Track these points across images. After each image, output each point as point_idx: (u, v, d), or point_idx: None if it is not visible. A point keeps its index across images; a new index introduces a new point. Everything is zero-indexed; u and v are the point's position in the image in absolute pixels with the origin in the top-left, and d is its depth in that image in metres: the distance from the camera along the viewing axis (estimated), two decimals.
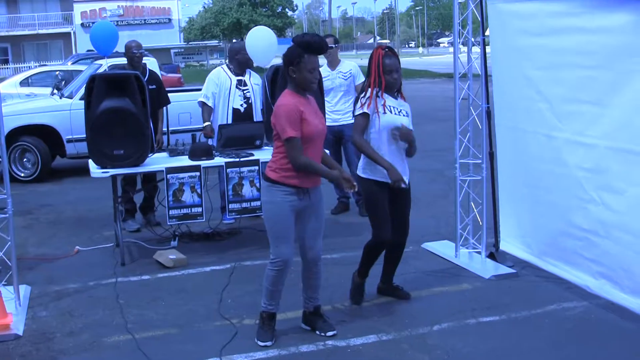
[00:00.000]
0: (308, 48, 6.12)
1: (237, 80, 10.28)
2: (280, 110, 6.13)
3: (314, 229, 6.50)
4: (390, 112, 6.98)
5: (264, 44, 10.19)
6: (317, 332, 6.65)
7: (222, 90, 10.29)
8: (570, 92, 7.21)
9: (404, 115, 7.05)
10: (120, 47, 10.75)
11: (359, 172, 7.13)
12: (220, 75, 10.39)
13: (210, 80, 10.48)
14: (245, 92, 10.20)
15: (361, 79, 10.74)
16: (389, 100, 7.02)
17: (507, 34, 8.13)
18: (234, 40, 76.99)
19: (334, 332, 6.62)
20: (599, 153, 6.87)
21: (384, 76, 6.96)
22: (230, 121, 10.25)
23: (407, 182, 7.05)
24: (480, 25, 8.39)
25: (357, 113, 7.00)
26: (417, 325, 6.82)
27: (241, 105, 10.20)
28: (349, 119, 10.50)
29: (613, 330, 6.64)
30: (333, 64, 10.66)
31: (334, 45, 10.48)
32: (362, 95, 7.07)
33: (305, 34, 6.37)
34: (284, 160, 6.18)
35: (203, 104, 10.44)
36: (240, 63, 10.34)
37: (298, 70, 6.14)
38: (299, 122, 6.07)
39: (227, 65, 10.56)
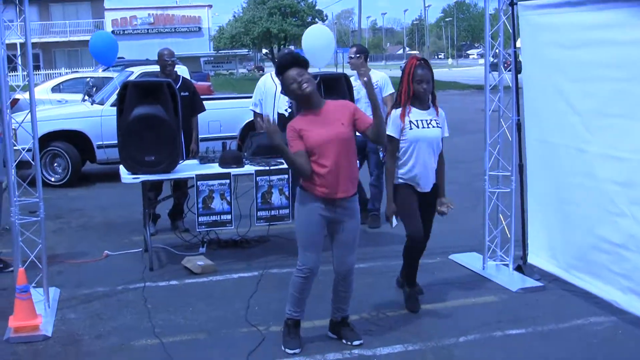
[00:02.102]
0: (281, 70, 6.29)
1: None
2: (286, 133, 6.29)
3: (344, 242, 6.44)
4: (417, 126, 7.05)
5: (321, 43, 10.15)
6: (344, 341, 6.65)
7: (267, 96, 10.51)
8: (602, 105, 7.17)
9: (433, 127, 7.10)
10: (151, 55, 10.82)
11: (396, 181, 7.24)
12: (267, 81, 10.61)
13: (257, 88, 10.80)
14: None
15: (389, 90, 10.74)
16: (417, 114, 7.08)
17: (539, 46, 8.11)
18: (264, 50, 77.39)
19: (360, 341, 6.62)
20: (630, 166, 6.83)
21: (413, 85, 7.01)
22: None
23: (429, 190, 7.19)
24: (511, 38, 8.38)
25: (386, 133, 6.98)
26: (443, 336, 6.81)
27: (286, 110, 10.29)
28: None
29: None
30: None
31: (354, 56, 10.51)
32: (394, 107, 7.17)
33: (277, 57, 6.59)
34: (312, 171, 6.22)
35: (254, 113, 10.81)
36: None
37: (286, 91, 6.30)
38: (296, 138, 6.16)
39: (276, 71, 10.68)
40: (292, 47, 77.16)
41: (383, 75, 10.91)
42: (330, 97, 8.15)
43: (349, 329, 6.75)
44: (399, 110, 7.09)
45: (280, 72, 6.28)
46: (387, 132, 6.90)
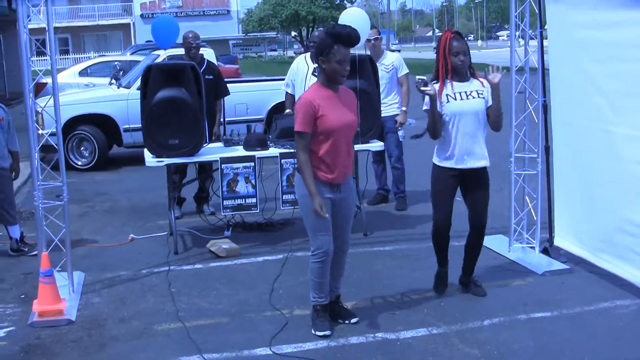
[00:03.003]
0: (337, 39, 6.08)
1: (315, 67, 10.40)
2: (298, 103, 6.24)
3: (343, 218, 6.53)
4: (455, 99, 6.89)
5: (358, 26, 10.21)
6: (340, 321, 6.69)
7: (299, 77, 10.49)
8: (628, 86, 7.08)
9: (474, 98, 6.92)
10: (180, 39, 10.81)
11: (433, 159, 7.15)
12: (300, 63, 10.60)
13: (291, 69, 10.77)
14: None
15: (404, 70, 10.77)
16: (457, 86, 6.93)
17: (565, 27, 8.01)
18: (293, 33, 77.27)
19: (357, 318, 6.68)
20: None
21: (450, 58, 6.87)
22: None
23: (474, 166, 7.04)
24: (537, 19, 8.30)
25: (423, 109, 6.98)
26: (467, 320, 6.78)
27: None
28: (390, 111, 10.48)
29: None
30: (376, 56, 10.57)
31: (372, 38, 10.50)
32: (432, 82, 6.97)
33: (337, 24, 6.42)
34: (315, 155, 6.21)
35: (285, 93, 10.79)
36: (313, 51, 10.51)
37: (327, 61, 6.14)
38: (310, 118, 6.09)
39: (310, 53, 10.71)
40: (321, 29, 76.99)
41: (398, 56, 10.96)
42: (354, 79, 8.12)
43: (343, 307, 6.82)
44: (437, 85, 6.92)
45: (338, 42, 6.09)
46: (424, 107, 6.93)
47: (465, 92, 6.92)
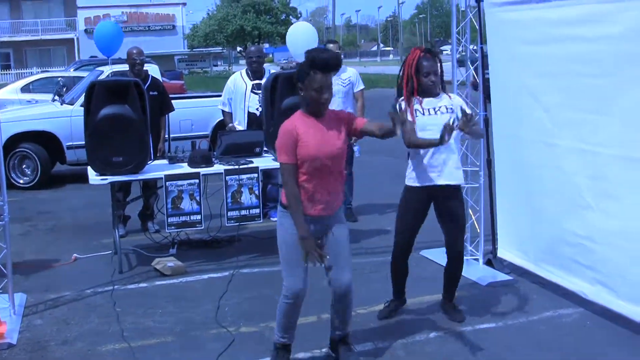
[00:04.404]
0: (313, 65, 5.62)
1: (254, 84, 10.44)
2: (279, 132, 5.76)
3: (336, 254, 5.89)
4: (423, 114, 6.68)
5: (304, 38, 10.26)
6: None
7: (237, 95, 10.57)
8: (570, 99, 7.18)
9: (443, 113, 6.68)
10: (124, 54, 10.75)
11: (406, 181, 6.91)
12: (237, 80, 10.65)
13: (226, 87, 10.83)
14: (261, 95, 10.30)
15: (361, 86, 10.80)
16: (426, 102, 6.71)
17: (506, 42, 8.11)
18: (238, 48, 77.23)
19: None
20: (598, 160, 6.84)
21: (422, 79, 6.67)
22: (246, 124, 10.48)
23: (445, 183, 6.78)
24: (478, 34, 8.39)
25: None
26: (414, 333, 6.82)
27: (257, 109, 10.31)
28: None
29: (609, 337, 6.67)
30: None
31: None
32: (398, 100, 6.78)
33: (314, 49, 5.97)
34: (299, 187, 5.76)
35: (222, 111, 10.86)
36: (251, 67, 10.54)
37: (305, 89, 5.66)
38: (292, 147, 5.63)
39: (246, 70, 10.71)
40: (266, 45, 77.04)
41: (355, 72, 10.98)
42: (294, 95, 8.13)
43: (348, 348, 6.29)
44: (405, 105, 6.67)
45: (314, 68, 5.60)
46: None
47: (434, 108, 6.73)
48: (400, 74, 6.86)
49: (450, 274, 7.22)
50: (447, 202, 6.85)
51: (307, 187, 5.74)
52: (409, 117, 6.43)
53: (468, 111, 6.48)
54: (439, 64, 6.77)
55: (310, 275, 5.95)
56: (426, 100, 6.75)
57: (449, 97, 6.89)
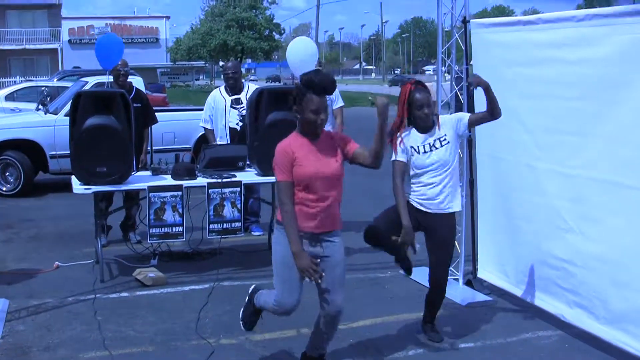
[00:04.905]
0: (310, 86, 5.66)
1: (233, 99, 10.54)
2: (275, 152, 5.78)
3: (331, 279, 5.89)
4: (419, 152, 6.72)
5: (305, 52, 10.31)
6: None
7: (218, 111, 10.71)
8: (552, 122, 7.26)
9: (437, 148, 6.73)
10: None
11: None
12: (216, 97, 10.76)
13: (207, 104, 10.96)
14: (241, 110, 10.37)
15: (340, 103, 10.85)
16: (420, 139, 6.75)
17: (491, 63, 8.18)
18: (221, 63, 77.26)
19: None
20: (579, 183, 6.91)
21: (415, 112, 6.69)
22: (228, 140, 10.59)
23: (443, 212, 6.78)
24: (464, 54, 8.48)
25: (391, 159, 6.75)
26: (393, 351, 6.86)
27: (237, 124, 10.39)
28: None
29: None
30: None
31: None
32: (393, 133, 6.78)
33: (311, 71, 6.05)
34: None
35: (205, 128, 11.01)
36: (228, 83, 10.62)
37: (301, 111, 5.71)
38: (287, 166, 5.66)
39: (225, 86, 10.79)
40: (249, 60, 76.97)
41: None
42: (280, 110, 8.17)
43: None
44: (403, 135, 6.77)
45: (311, 90, 5.65)
46: (394, 158, 6.73)
47: (429, 144, 6.73)
48: (398, 109, 6.84)
49: (432, 300, 7.20)
50: (438, 228, 6.83)
51: (310, 209, 5.77)
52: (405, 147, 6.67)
53: (466, 116, 6.82)
54: (430, 95, 6.81)
55: None
56: (421, 135, 6.77)
57: (439, 127, 6.82)
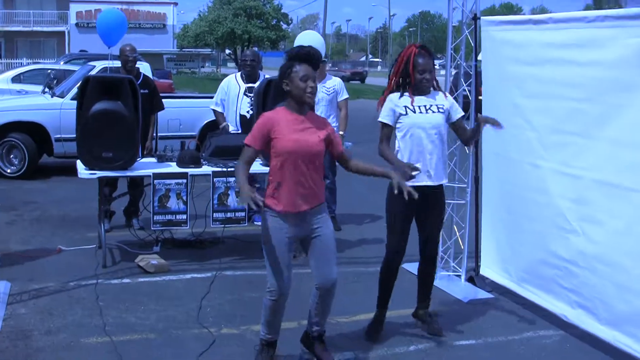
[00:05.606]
0: (296, 57, 5.88)
1: (247, 87, 10.51)
2: (258, 119, 6.01)
3: (322, 252, 6.04)
4: (414, 111, 6.67)
5: (310, 43, 10.40)
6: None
7: (230, 97, 10.71)
8: (557, 122, 7.25)
9: (434, 112, 6.70)
10: (114, 50, 10.76)
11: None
12: (230, 82, 10.78)
13: (220, 88, 10.96)
14: (252, 98, 10.35)
15: (345, 95, 10.88)
16: (417, 100, 6.71)
17: (499, 61, 8.18)
18: (227, 51, 77.20)
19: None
20: (583, 184, 6.91)
21: (417, 76, 6.64)
22: (239, 127, 10.59)
23: (433, 183, 6.76)
24: (473, 51, 8.46)
25: (378, 120, 6.78)
26: (394, 346, 6.86)
27: (247, 112, 10.36)
28: None
29: None
30: (319, 77, 10.69)
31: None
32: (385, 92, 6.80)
33: (294, 47, 6.24)
34: (271, 183, 5.93)
35: (214, 110, 10.99)
36: (245, 70, 10.63)
37: (290, 82, 5.84)
38: (261, 135, 5.82)
39: (241, 73, 10.79)
40: (255, 49, 76.99)
41: (339, 81, 11.05)
42: (283, 100, 8.16)
43: (324, 347, 6.37)
44: (393, 95, 6.75)
45: (298, 60, 5.86)
46: (379, 120, 6.74)
47: (425, 106, 6.69)
48: (392, 69, 6.86)
49: (426, 275, 7.24)
50: (428, 202, 6.79)
51: (282, 183, 5.88)
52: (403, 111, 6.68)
53: (460, 114, 6.84)
54: (433, 62, 6.76)
55: (293, 281, 6.05)
56: (417, 97, 6.74)
57: (445, 96, 6.89)
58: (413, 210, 6.77)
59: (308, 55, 5.89)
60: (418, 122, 6.67)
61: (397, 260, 6.96)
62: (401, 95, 6.76)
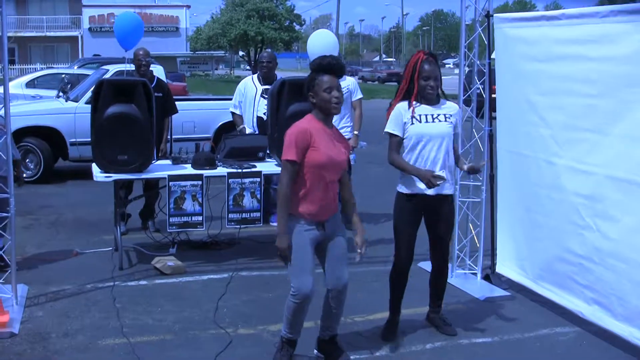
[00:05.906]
0: (319, 68, 5.94)
1: (264, 89, 10.54)
2: (289, 131, 5.91)
3: (336, 257, 6.16)
4: (420, 121, 6.62)
5: (323, 42, 10.38)
6: None
7: (247, 99, 10.79)
8: (571, 119, 7.25)
9: (440, 122, 6.65)
10: (129, 54, 10.81)
11: (397, 187, 6.83)
12: (247, 84, 10.85)
13: (237, 90, 11.03)
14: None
15: (358, 95, 10.85)
16: (422, 108, 6.65)
17: (513, 58, 8.18)
18: (240, 53, 77.25)
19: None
20: (597, 181, 6.90)
21: (419, 82, 6.59)
22: (256, 128, 10.65)
23: (437, 193, 6.68)
24: (486, 49, 8.46)
25: (384, 131, 6.74)
26: (410, 344, 6.87)
27: (264, 113, 10.38)
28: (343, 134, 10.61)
29: (604, 358, 6.71)
30: None
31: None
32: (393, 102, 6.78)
33: (318, 57, 6.17)
34: (298, 190, 5.93)
35: (232, 113, 11.09)
36: (262, 72, 10.67)
37: (315, 94, 5.92)
38: (303, 147, 5.82)
39: (258, 74, 10.83)
40: (269, 50, 76.89)
41: (353, 81, 11.03)
42: (302, 101, 8.15)
43: (338, 348, 6.42)
44: (401, 105, 6.70)
45: (321, 71, 5.94)
46: (386, 130, 6.69)
47: (432, 115, 6.64)
48: (403, 76, 6.80)
49: (439, 282, 7.23)
50: (437, 210, 6.79)
51: (307, 192, 5.93)
52: (409, 121, 6.65)
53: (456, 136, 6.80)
54: (438, 69, 6.70)
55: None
56: (424, 106, 6.68)
57: (454, 106, 6.86)
58: (419, 219, 6.82)
59: (330, 66, 5.96)
60: (423, 132, 6.61)
61: (406, 267, 6.96)
62: (409, 105, 6.68)
